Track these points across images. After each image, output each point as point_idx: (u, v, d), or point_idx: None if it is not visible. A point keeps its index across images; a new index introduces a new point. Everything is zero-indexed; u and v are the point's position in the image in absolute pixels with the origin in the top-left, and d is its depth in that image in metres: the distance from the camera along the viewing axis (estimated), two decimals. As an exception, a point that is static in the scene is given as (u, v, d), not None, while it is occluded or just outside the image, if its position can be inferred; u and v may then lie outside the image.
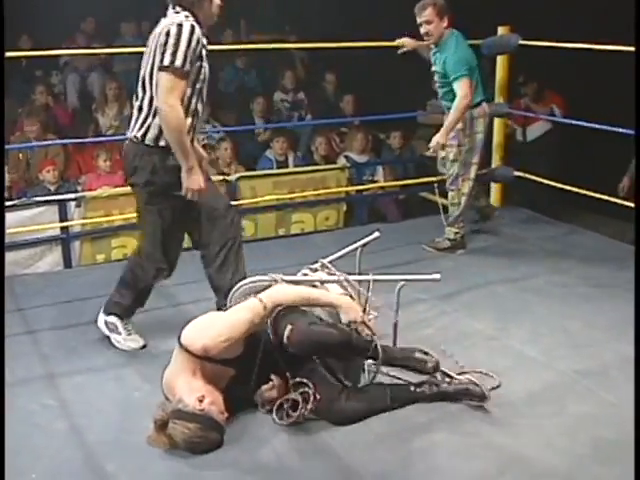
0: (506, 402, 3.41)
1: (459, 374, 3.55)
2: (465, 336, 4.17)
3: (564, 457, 3.07)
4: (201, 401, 3.08)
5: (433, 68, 5.35)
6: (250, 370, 3.27)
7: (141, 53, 3.85)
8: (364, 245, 4.06)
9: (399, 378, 3.55)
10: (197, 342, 3.15)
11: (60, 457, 3.12)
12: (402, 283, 3.72)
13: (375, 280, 3.68)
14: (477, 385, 3.37)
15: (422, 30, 5.20)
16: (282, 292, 3.37)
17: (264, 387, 3.29)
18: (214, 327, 3.19)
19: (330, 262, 3.90)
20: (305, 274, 3.78)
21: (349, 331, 3.31)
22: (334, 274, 3.73)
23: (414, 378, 3.51)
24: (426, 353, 3.56)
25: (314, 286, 3.62)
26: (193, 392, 3.11)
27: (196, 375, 3.17)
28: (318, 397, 3.26)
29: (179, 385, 3.17)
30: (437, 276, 3.72)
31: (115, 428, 3.28)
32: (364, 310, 3.50)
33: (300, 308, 3.39)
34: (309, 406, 3.24)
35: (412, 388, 3.43)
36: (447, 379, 3.47)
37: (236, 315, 3.23)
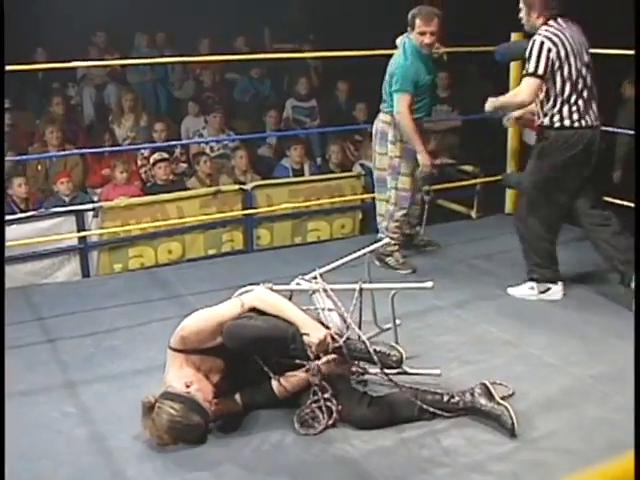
0: (523, 407, 3.41)
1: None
2: (482, 342, 4.18)
3: (581, 461, 3.07)
4: (188, 386, 3.22)
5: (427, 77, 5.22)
6: (245, 366, 3.36)
7: (156, 64, 3.90)
8: (371, 252, 4.07)
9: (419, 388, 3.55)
10: (176, 336, 3.31)
11: (81, 463, 3.15)
12: (394, 292, 3.73)
13: (364, 289, 3.67)
14: (511, 418, 3.24)
15: (429, 40, 5.06)
16: (262, 298, 3.38)
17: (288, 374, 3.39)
18: (191, 320, 3.33)
19: (333, 269, 3.93)
20: (298, 284, 3.78)
21: (286, 328, 3.23)
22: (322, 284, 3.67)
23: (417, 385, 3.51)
24: (392, 347, 3.47)
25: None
26: (182, 379, 3.26)
27: (183, 367, 3.30)
28: (340, 408, 3.31)
29: (169, 377, 3.31)
30: (429, 284, 3.67)
31: (134, 434, 3.30)
32: (333, 338, 3.28)
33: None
34: (331, 421, 3.31)
35: (445, 399, 3.38)
36: (487, 398, 3.35)
37: (214, 309, 3.36)
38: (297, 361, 3.35)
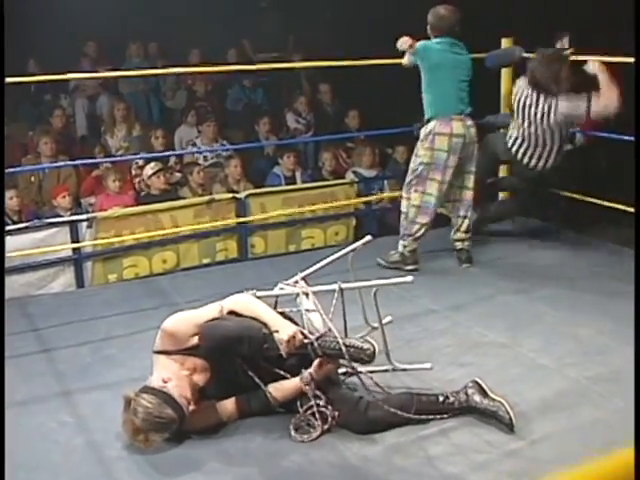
0: (519, 410, 3.41)
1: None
2: (477, 345, 4.19)
3: (578, 463, 3.07)
4: (165, 382, 3.26)
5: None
6: (234, 372, 3.38)
7: (149, 75, 3.92)
8: (353, 250, 4.09)
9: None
10: (157, 339, 3.40)
11: (78, 472, 3.15)
12: (376, 288, 3.72)
13: (344, 289, 3.67)
14: (508, 413, 3.28)
15: None
16: (240, 302, 3.46)
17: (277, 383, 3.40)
18: (169, 321, 3.39)
19: (316, 271, 3.98)
20: (282, 288, 3.81)
21: (258, 327, 3.28)
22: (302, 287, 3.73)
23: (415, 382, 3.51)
24: (366, 341, 3.41)
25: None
26: (162, 375, 3.30)
27: (166, 366, 3.35)
28: (336, 414, 3.32)
29: (152, 377, 3.35)
30: (409, 278, 3.71)
31: (131, 443, 3.30)
32: (304, 335, 3.32)
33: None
34: (326, 426, 3.32)
35: (440, 399, 3.40)
36: (481, 395, 3.39)
37: (193, 311, 3.45)
38: (282, 372, 3.40)
